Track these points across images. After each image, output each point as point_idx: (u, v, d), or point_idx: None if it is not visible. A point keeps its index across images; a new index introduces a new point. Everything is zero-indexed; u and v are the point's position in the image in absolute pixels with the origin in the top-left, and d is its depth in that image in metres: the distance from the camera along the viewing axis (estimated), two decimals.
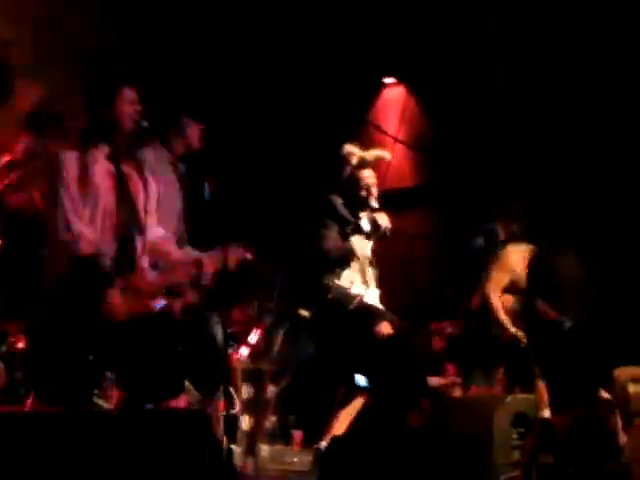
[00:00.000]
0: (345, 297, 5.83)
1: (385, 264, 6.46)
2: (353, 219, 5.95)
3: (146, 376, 4.23)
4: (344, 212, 5.94)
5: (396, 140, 9.41)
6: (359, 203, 5.98)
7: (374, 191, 6.02)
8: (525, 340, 6.54)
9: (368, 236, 6.01)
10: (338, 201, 5.96)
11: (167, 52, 8.25)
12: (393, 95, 9.89)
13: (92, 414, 3.68)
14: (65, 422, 3.41)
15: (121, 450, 3.34)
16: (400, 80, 9.87)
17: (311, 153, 8.93)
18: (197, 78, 8.14)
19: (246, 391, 5.89)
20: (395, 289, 6.59)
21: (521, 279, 6.62)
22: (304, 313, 5.93)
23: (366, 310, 5.89)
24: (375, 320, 5.86)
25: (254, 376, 5.97)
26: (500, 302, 6.69)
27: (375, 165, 6.12)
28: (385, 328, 5.84)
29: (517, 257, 6.70)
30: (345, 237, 5.90)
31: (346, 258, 5.89)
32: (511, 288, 6.70)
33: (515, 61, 8.73)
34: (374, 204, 6.00)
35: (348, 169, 5.98)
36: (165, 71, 7.76)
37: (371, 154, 6.04)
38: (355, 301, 5.82)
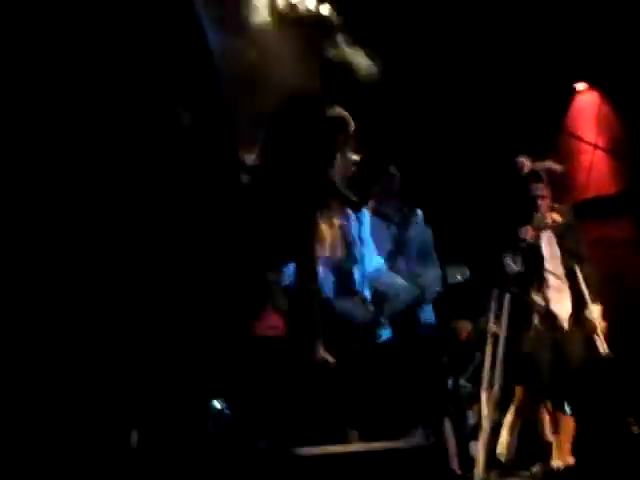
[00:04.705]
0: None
1: None
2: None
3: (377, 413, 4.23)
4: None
5: (595, 147, 9.12)
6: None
7: (542, 204, 5.84)
8: None
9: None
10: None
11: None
12: (587, 101, 9.59)
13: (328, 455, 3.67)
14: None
15: None
16: (592, 85, 9.57)
17: (505, 165, 8.75)
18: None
19: (471, 417, 5.79)
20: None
21: None
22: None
23: None
24: None
25: (477, 402, 5.85)
26: None
27: (554, 177, 5.96)
28: None
29: None
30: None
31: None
32: None
33: None
34: (540, 218, 5.83)
35: (520, 180, 5.87)
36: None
37: (541, 165, 5.88)
38: None
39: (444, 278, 5.04)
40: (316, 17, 7.97)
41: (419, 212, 5.57)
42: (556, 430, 5.58)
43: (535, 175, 5.82)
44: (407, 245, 5.43)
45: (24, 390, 3.33)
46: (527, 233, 5.77)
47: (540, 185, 5.79)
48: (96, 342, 3.53)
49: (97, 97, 3.47)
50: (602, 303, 6.02)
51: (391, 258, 5.30)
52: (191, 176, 3.73)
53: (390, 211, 5.41)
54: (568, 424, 5.55)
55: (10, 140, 3.40)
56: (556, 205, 5.89)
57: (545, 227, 5.82)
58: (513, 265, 5.73)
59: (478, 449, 5.29)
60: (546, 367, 5.58)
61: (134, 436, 3.58)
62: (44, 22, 3.51)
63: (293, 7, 7.93)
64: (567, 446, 5.55)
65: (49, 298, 3.42)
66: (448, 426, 5.15)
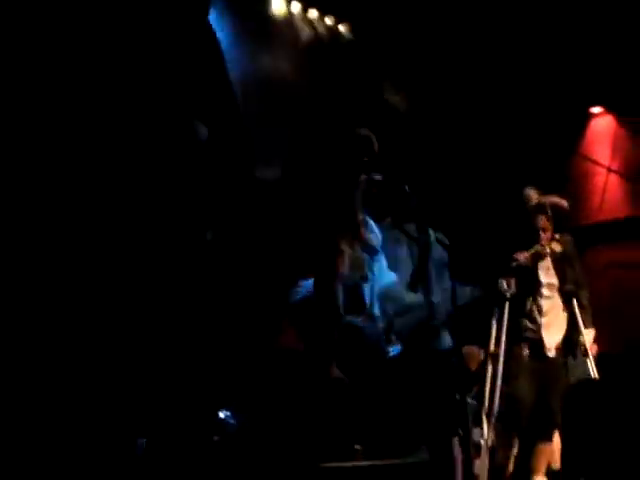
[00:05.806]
0: None
1: (596, 297, 6.34)
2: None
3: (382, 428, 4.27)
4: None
5: (609, 170, 9.17)
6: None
7: (543, 236, 5.95)
8: None
9: None
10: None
11: None
12: (602, 125, 9.64)
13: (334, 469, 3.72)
14: None
15: None
16: (608, 109, 9.61)
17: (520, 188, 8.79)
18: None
19: (476, 434, 5.82)
20: (606, 322, 6.48)
21: None
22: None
23: None
24: None
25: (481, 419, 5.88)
26: None
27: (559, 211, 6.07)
28: None
29: None
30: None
31: None
32: None
33: None
34: (539, 248, 5.93)
35: (525, 211, 5.98)
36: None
37: (548, 199, 6.00)
38: None
39: (454, 297, 5.08)
40: (335, 36, 8.08)
41: (431, 232, 5.64)
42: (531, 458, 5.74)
43: (541, 208, 5.95)
44: (428, 264, 5.50)
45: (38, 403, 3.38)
46: (520, 256, 5.89)
47: (543, 217, 5.94)
48: (109, 348, 3.58)
49: (114, 118, 3.56)
50: (615, 324, 6.11)
51: (413, 278, 5.38)
52: (208, 190, 3.78)
53: (412, 230, 5.45)
54: (544, 451, 5.72)
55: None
56: (557, 235, 6.02)
57: (544, 256, 5.95)
58: (506, 287, 5.83)
59: (479, 468, 5.37)
60: (526, 409, 5.71)
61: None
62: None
63: (312, 24, 8.03)
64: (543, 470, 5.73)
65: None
66: (456, 444, 5.19)
